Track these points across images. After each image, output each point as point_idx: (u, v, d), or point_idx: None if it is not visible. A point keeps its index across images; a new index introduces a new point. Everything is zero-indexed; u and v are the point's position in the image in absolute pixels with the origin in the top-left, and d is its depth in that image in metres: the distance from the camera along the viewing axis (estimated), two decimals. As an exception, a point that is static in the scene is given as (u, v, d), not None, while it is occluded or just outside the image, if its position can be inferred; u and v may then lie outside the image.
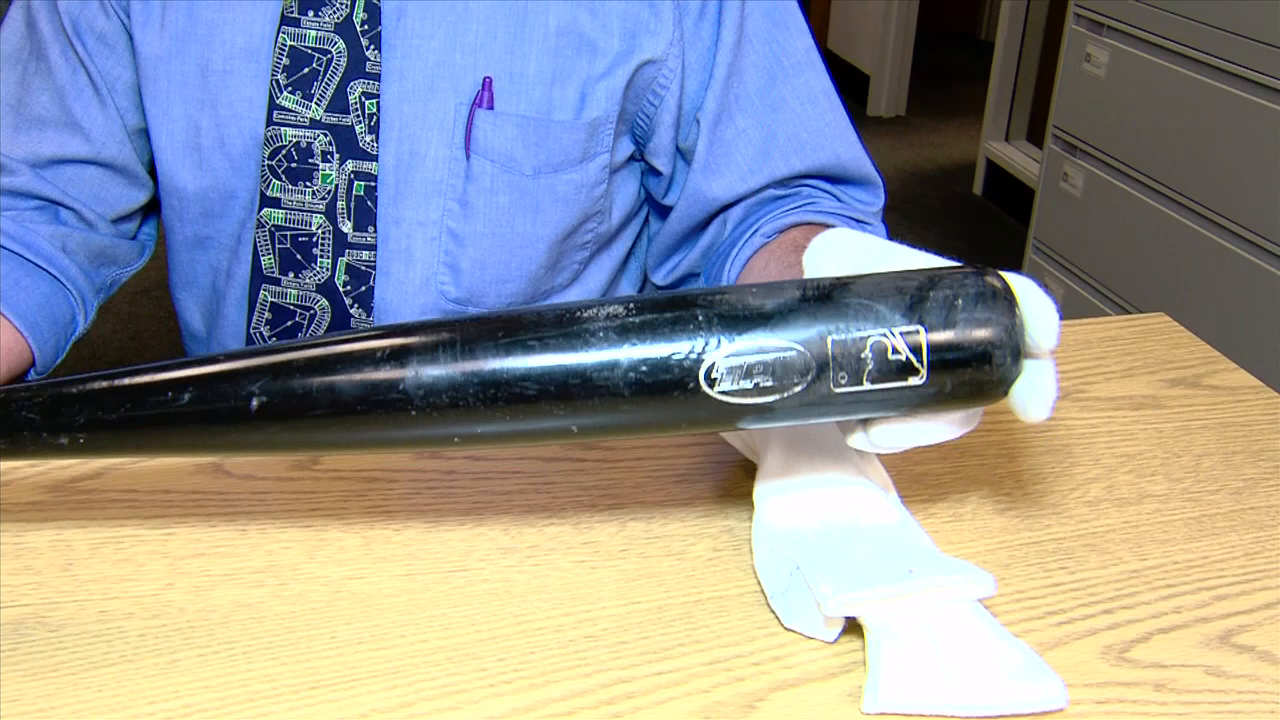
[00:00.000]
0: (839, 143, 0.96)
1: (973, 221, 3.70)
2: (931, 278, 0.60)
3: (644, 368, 0.58)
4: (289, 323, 0.95)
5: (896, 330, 0.59)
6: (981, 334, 0.59)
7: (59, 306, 0.91)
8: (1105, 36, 2.52)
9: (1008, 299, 0.59)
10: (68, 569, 0.68)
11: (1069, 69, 2.66)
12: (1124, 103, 2.46)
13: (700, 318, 0.59)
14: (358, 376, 0.58)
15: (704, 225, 0.98)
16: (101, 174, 0.94)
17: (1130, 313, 2.45)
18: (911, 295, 0.59)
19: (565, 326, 0.59)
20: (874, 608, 0.62)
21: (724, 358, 0.58)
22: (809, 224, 0.94)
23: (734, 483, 0.76)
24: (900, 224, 3.59)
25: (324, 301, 0.94)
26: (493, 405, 0.58)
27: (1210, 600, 0.67)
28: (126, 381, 0.60)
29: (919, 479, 0.77)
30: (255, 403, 0.58)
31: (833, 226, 0.93)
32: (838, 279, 0.61)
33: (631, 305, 0.59)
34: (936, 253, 0.65)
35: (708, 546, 0.71)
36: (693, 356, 0.58)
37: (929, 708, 0.60)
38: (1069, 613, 0.66)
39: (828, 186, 0.97)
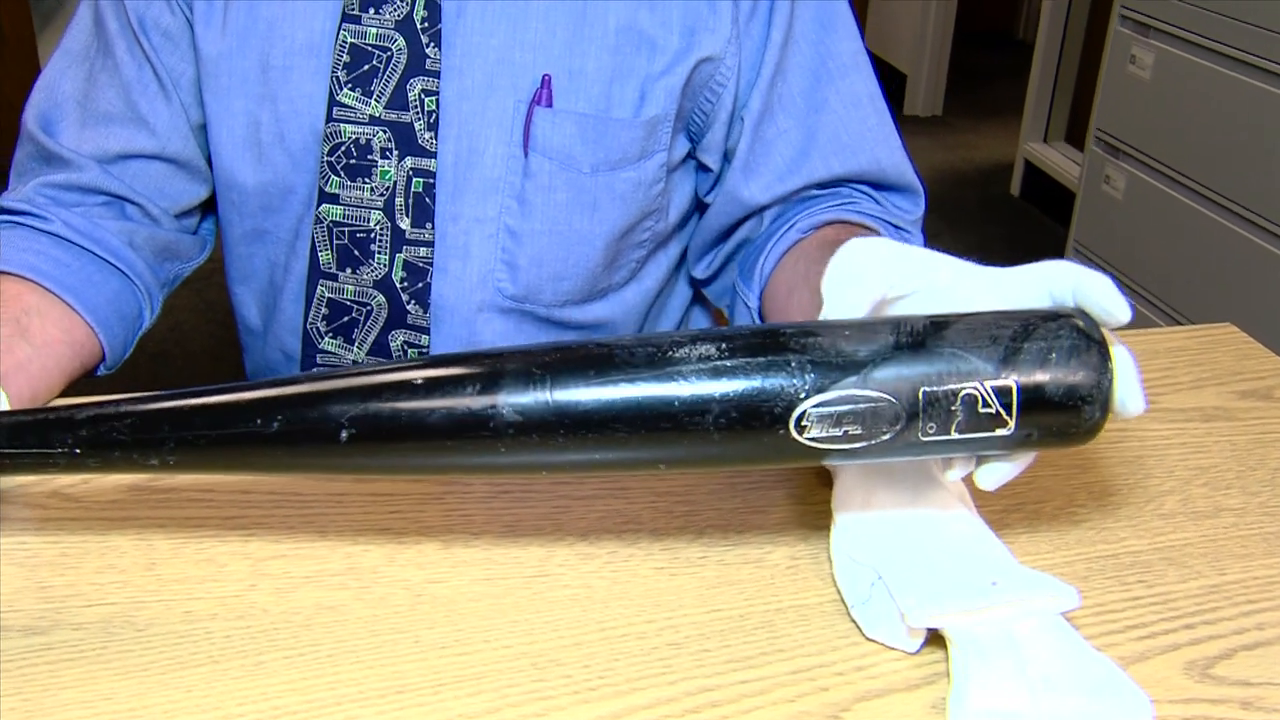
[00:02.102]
0: (881, 148, 0.96)
1: (1010, 223, 3.69)
2: (1026, 326, 0.60)
3: (735, 413, 0.58)
4: (345, 318, 0.96)
5: (988, 383, 0.59)
6: (1073, 387, 0.59)
7: (128, 302, 0.92)
8: (1151, 38, 2.50)
9: (1101, 352, 0.59)
10: (151, 568, 0.68)
11: (1113, 71, 2.64)
12: (1169, 105, 2.45)
13: (793, 363, 0.59)
14: (448, 408, 0.58)
15: (739, 224, 0.98)
16: (166, 169, 0.94)
17: (1172, 317, 2.44)
18: (1006, 346, 0.59)
19: (657, 366, 0.59)
20: (958, 620, 0.62)
21: (815, 406, 0.58)
22: (844, 222, 0.93)
23: (808, 490, 0.76)
24: (937, 225, 3.58)
25: (380, 298, 0.94)
26: (582, 442, 0.59)
27: (1292, 617, 0.67)
28: (216, 400, 0.60)
29: (993, 489, 0.77)
30: (345, 432, 0.59)
31: (868, 229, 0.93)
32: (932, 320, 0.61)
33: (724, 344, 0.60)
34: (975, 258, 0.66)
35: (785, 554, 0.71)
36: (784, 403, 0.58)
37: (1016, 721, 0.59)
38: (1149, 627, 0.66)
39: (868, 190, 0.97)
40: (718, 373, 0.59)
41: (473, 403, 0.59)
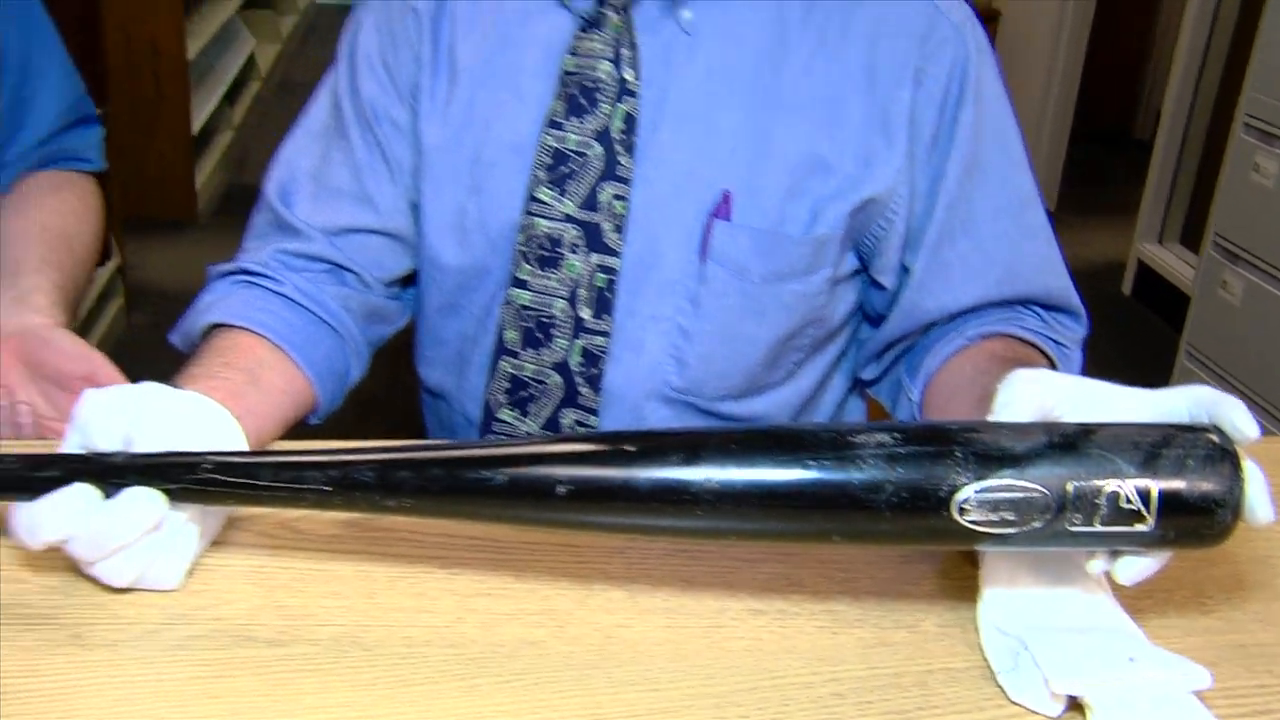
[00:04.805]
0: (1051, 276, 1.04)
1: (1121, 322, 3.71)
2: (1166, 436, 0.68)
3: (905, 493, 0.67)
4: (523, 393, 1.05)
5: (1131, 483, 0.66)
6: (1207, 493, 0.67)
7: (340, 359, 1.02)
8: (1275, 147, 2.54)
9: (1234, 463, 0.67)
10: (371, 597, 0.77)
11: (1234, 177, 2.68)
12: (1292, 215, 2.48)
13: (959, 454, 0.67)
14: (655, 475, 0.67)
15: (910, 334, 1.06)
16: (384, 243, 1.05)
17: (1289, 425, 2.46)
18: (1147, 451, 0.67)
19: (840, 450, 0.67)
20: (1097, 688, 0.68)
21: (975, 492, 0.67)
22: (1010, 336, 1.01)
23: (954, 566, 0.83)
24: (1049, 319, 3.61)
25: (557, 378, 1.03)
26: (769, 512, 0.68)
27: None
28: (450, 454, 0.71)
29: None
30: (562, 488, 0.68)
31: (1031, 344, 1.00)
32: (1082, 426, 0.69)
33: (898, 434, 0.68)
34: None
35: (935, 622, 0.78)
36: (948, 488, 0.67)
37: (1151, 785, 0.66)
38: (1277, 714, 0.72)
39: (1036, 308, 1.04)
40: (892, 459, 0.67)
41: (677, 472, 0.67)
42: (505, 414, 1.06)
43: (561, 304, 1.02)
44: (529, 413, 1.05)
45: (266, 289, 0.99)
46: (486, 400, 1.07)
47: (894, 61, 0.98)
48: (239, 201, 4.35)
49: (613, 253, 1.00)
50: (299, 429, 1.01)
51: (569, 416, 1.04)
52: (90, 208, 1.27)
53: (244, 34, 5.18)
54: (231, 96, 4.78)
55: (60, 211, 1.22)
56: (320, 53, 6.56)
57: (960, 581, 0.82)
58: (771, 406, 1.07)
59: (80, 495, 0.72)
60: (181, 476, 0.72)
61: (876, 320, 1.08)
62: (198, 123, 4.07)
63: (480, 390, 1.07)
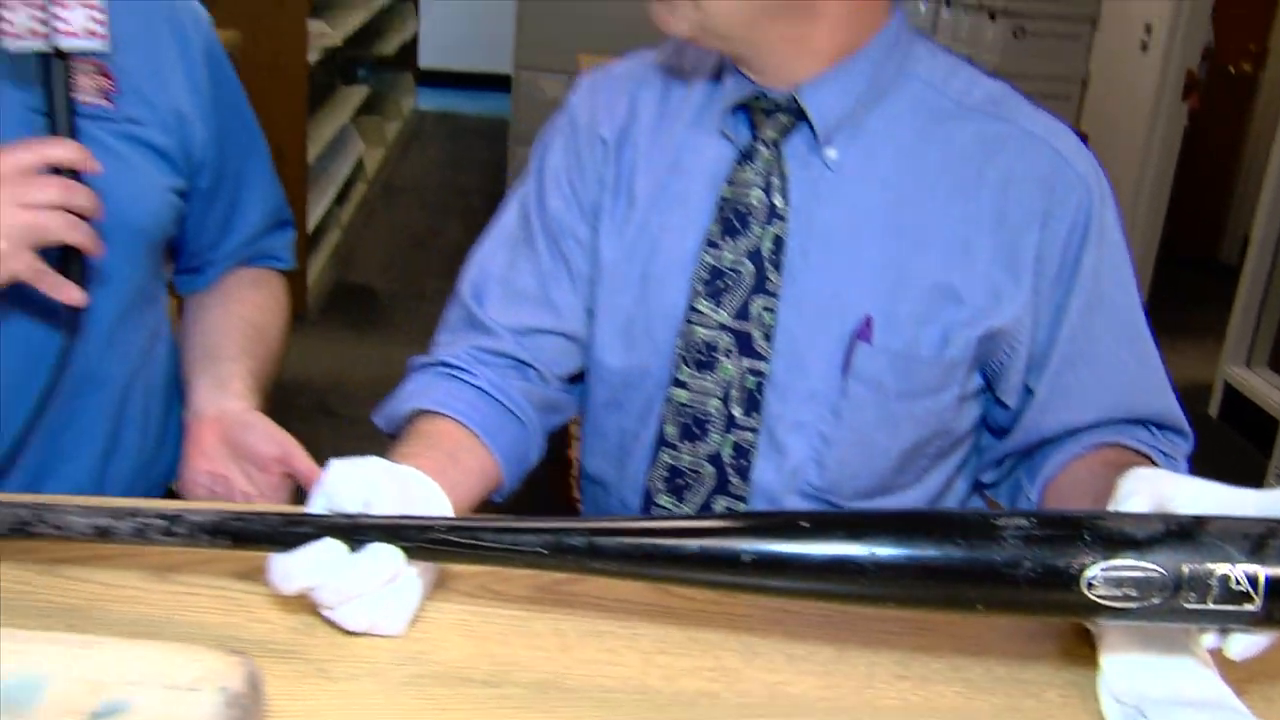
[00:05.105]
0: (1160, 400, 1.15)
1: (1208, 445, 3.73)
2: (1272, 529, 0.79)
3: (1041, 569, 0.78)
4: (679, 481, 1.17)
5: (1240, 567, 0.77)
6: None
7: (522, 444, 1.16)
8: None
9: None
10: (567, 650, 0.90)
11: (1323, 306, 2.76)
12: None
13: (1087, 538, 0.78)
14: (826, 548, 0.79)
15: (1031, 445, 1.17)
16: (561, 343, 1.19)
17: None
18: (1255, 540, 0.78)
19: (985, 533, 0.79)
20: (1209, 755, 0.78)
21: (1102, 570, 0.78)
22: (1122, 446, 1.12)
23: (1073, 644, 0.94)
24: (1135, 437, 3.67)
25: (710, 469, 1.16)
26: (925, 584, 0.79)
27: None
28: (650, 525, 0.84)
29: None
30: (746, 556, 0.80)
31: (1142, 454, 1.11)
32: (1195, 517, 0.80)
33: (1034, 519, 0.80)
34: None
35: (1058, 693, 0.88)
36: (1078, 567, 0.78)
37: (1256, 837, 0.75)
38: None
39: (1148, 425, 1.15)
40: (1029, 540, 0.78)
41: (845, 547, 0.79)
42: (663, 499, 1.18)
43: (716, 402, 1.14)
44: (684, 499, 1.17)
45: (462, 380, 1.13)
46: (647, 487, 1.19)
47: (1023, 206, 1.09)
48: (345, 298, 4.56)
49: (762, 358, 1.13)
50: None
51: (720, 503, 1.16)
52: (281, 303, 1.42)
53: (355, 138, 5.46)
54: (341, 197, 5.02)
55: (258, 306, 1.37)
56: (421, 158, 6.85)
57: (1079, 658, 0.92)
58: (900, 506, 1.18)
59: (329, 549, 0.85)
60: (418, 536, 0.85)
61: (999, 432, 1.20)
62: (311, 222, 4.29)
63: (640, 478, 1.20)
